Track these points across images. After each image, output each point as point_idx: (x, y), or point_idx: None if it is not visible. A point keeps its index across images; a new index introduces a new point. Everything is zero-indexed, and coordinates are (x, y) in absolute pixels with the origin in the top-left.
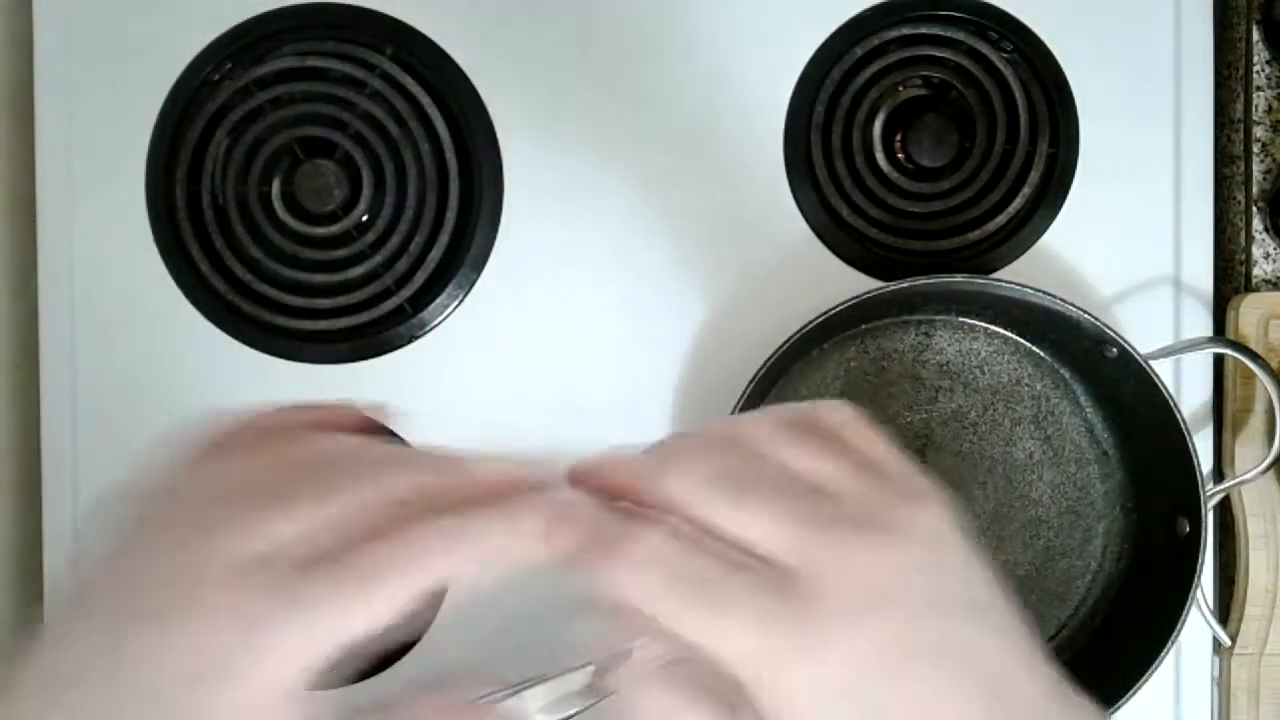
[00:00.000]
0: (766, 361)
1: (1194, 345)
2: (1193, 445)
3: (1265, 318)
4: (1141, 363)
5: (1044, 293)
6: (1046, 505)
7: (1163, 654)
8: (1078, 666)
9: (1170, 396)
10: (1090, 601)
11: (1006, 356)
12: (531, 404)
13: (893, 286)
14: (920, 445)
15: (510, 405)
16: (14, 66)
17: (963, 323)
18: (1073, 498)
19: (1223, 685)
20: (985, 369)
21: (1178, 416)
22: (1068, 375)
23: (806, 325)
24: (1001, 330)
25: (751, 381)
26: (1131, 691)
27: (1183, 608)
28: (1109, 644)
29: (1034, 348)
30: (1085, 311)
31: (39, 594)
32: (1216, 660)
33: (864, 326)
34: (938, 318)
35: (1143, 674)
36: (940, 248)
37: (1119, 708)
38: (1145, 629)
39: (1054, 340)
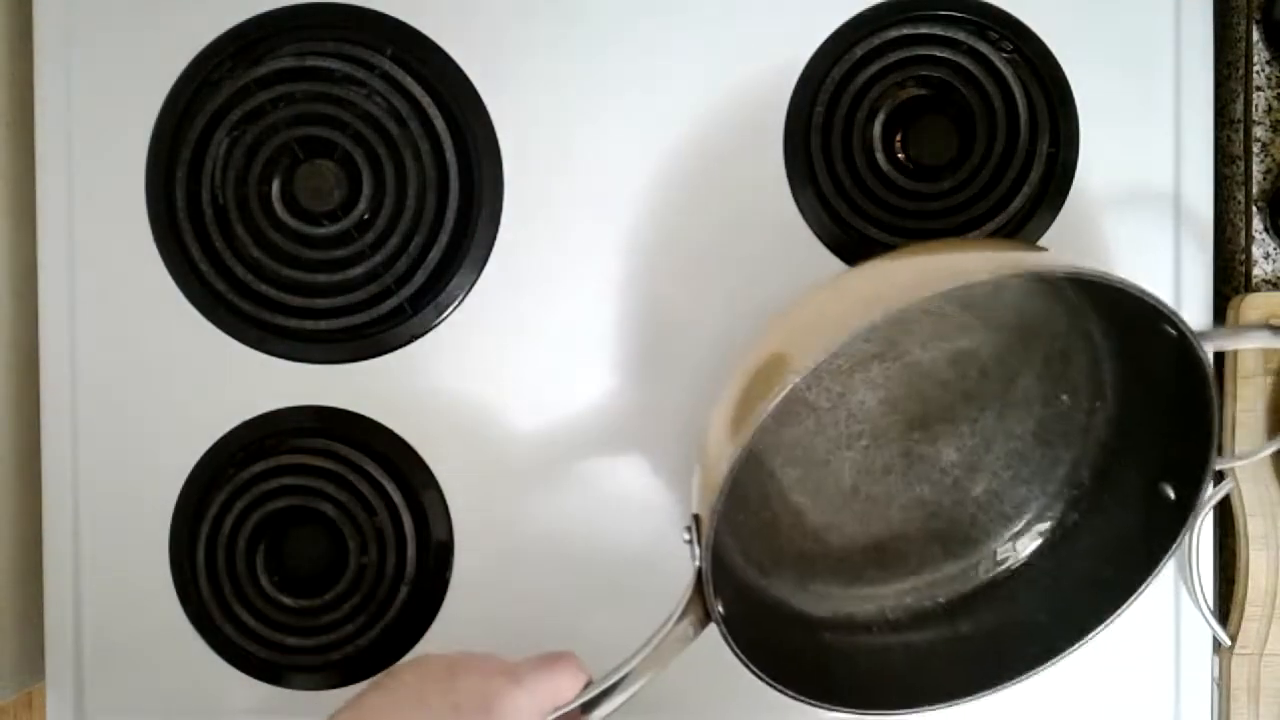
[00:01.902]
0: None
1: (1245, 331)
2: (1217, 406)
3: (1265, 318)
4: (1191, 340)
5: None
6: (1028, 440)
7: (1106, 622)
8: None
9: (1211, 376)
10: (1040, 528)
11: (1037, 297)
12: (531, 404)
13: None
14: (921, 385)
15: (510, 405)
16: (14, 66)
17: None
18: (1055, 434)
19: (1223, 685)
20: (1015, 308)
21: (1210, 393)
22: (1093, 329)
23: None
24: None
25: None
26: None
27: (1145, 578)
28: (1056, 572)
29: (1068, 291)
30: (1139, 289)
31: (39, 593)
32: (1216, 660)
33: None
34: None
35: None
36: None
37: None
38: (1099, 579)
39: (1092, 292)
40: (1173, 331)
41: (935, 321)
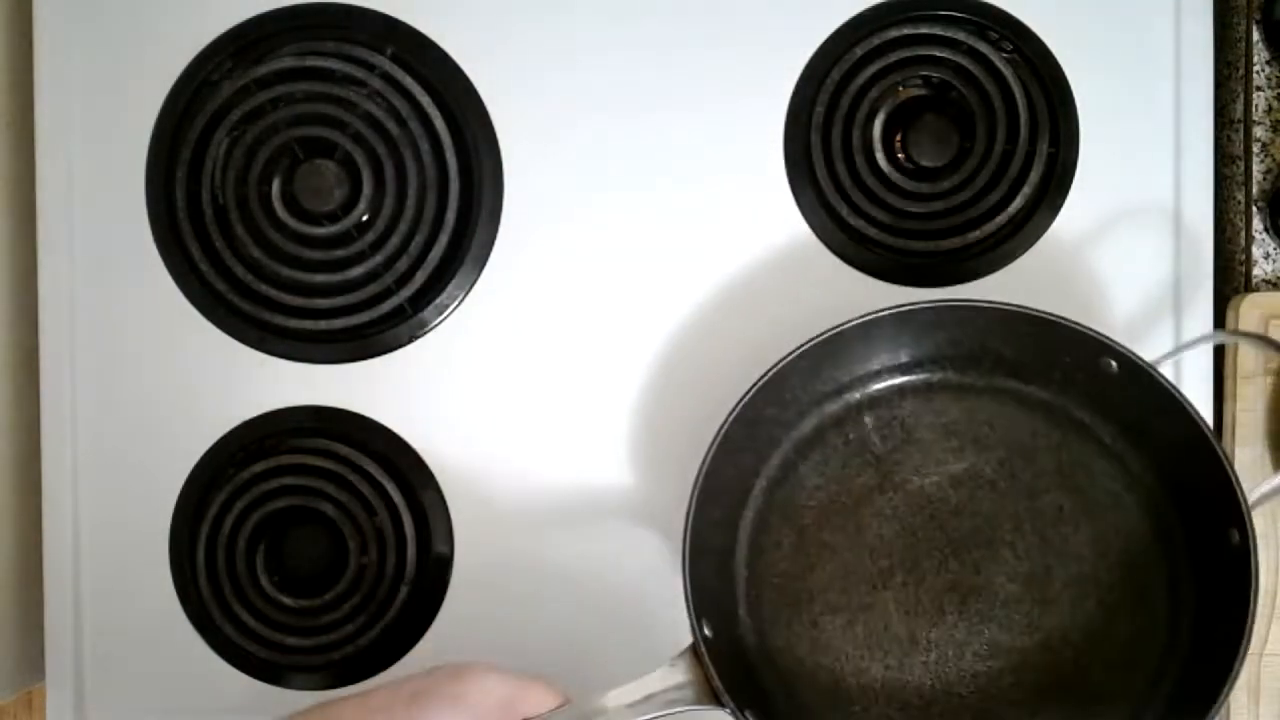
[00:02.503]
0: (741, 399)
1: (1198, 342)
2: (1219, 447)
3: (1265, 318)
4: (1148, 369)
5: (1025, 308)
6: (1091, 560)
7: (1237, 663)
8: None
9: (1183, 398)
10: (1159, 657)
11: (1013, 408)
12: (530, 404)
13: (854, 321)
14: (934, 510)
15: (509, 405)
16: (14, 66)
17: (961, 381)
18: (1118, 546)
19: None
20: (994, 424)
21: (1197, 419)
22: (1081, 415)
23: (775, 362)
24: (1002, 381)
25: (725, 422)
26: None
27: (1245, 618)
28: (1188, 690)
29: (1040, 393)
30: (1078, 324)
31: (39, 594)
32: None
33: (858, 396)
34: (933, 377)
35: (1220, 689)
36: (940, 248)
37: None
38: (1216, 653)
39: (1057, 378)
40: (1113, 364)
41: (919, 450)
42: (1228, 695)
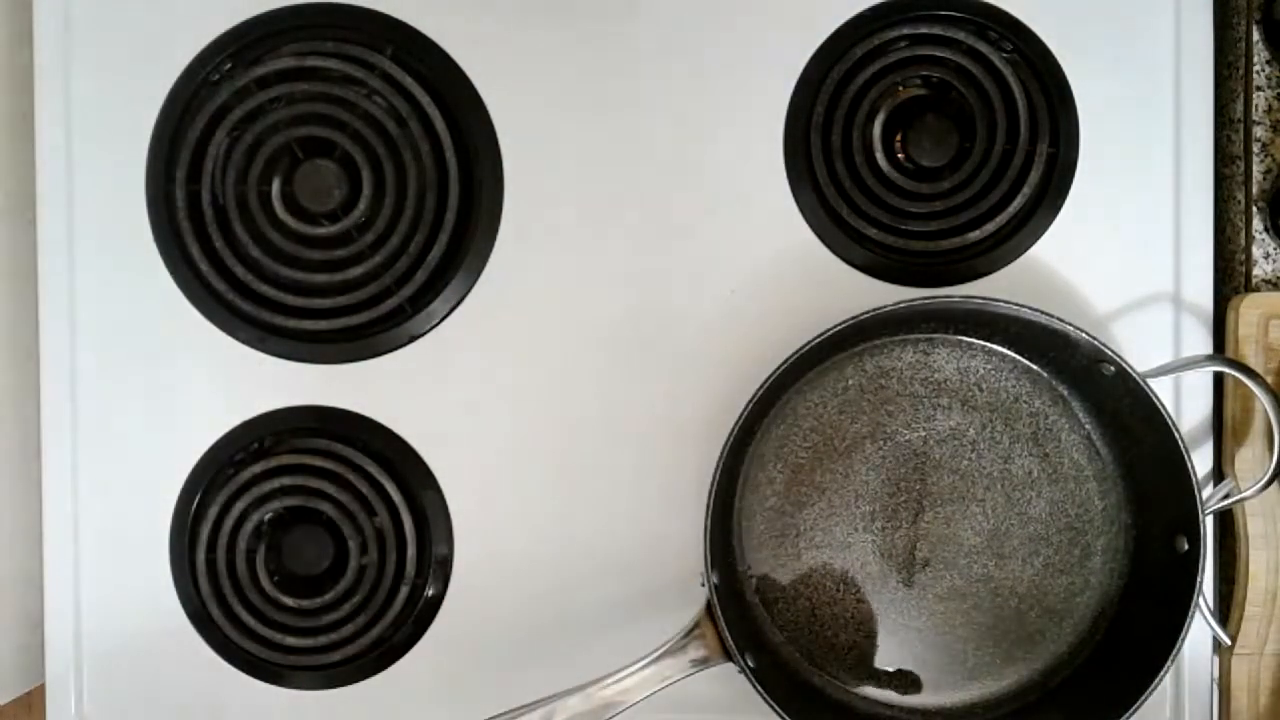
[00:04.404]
0: (764, 382)
1: (1192, 363)
2: (1191, 466)
3: (1265, 318)
4: (1139, 382)
5: (1043, 312)
6: (1045, 522)
7: (1164, 669)
8: (1079, 682)
9: (1169, 416)
10: (1090, 618)
11: (1005, 374)
12: (529, 404)
13: (891, 307)
14: (918, 463)
15: (508, 405)
16: (14, 66)
17: (961, 341)
18: (1071, 515)
19: (1223, 685)
20: (983, 386)
21: (1176, 436)
22: (1066, 392)
23: (805, 345)
24: (1000, 348)
25: (750, 402)
26: (1135, 706)
27: (1183, 624)
28: (1110, 660)
29: (1032, 365)
30: (1083, 330)
31: (39, 594)
32: (1216, 660)
33: (862, 345)
34: (936, 335)
35: (1144, 689)
36: (940, 248)
37: None
38: (1146, 645)
39: (1052, 357)
40: (1111, 369)
41: (911, 403)
42: (1154, 688)
